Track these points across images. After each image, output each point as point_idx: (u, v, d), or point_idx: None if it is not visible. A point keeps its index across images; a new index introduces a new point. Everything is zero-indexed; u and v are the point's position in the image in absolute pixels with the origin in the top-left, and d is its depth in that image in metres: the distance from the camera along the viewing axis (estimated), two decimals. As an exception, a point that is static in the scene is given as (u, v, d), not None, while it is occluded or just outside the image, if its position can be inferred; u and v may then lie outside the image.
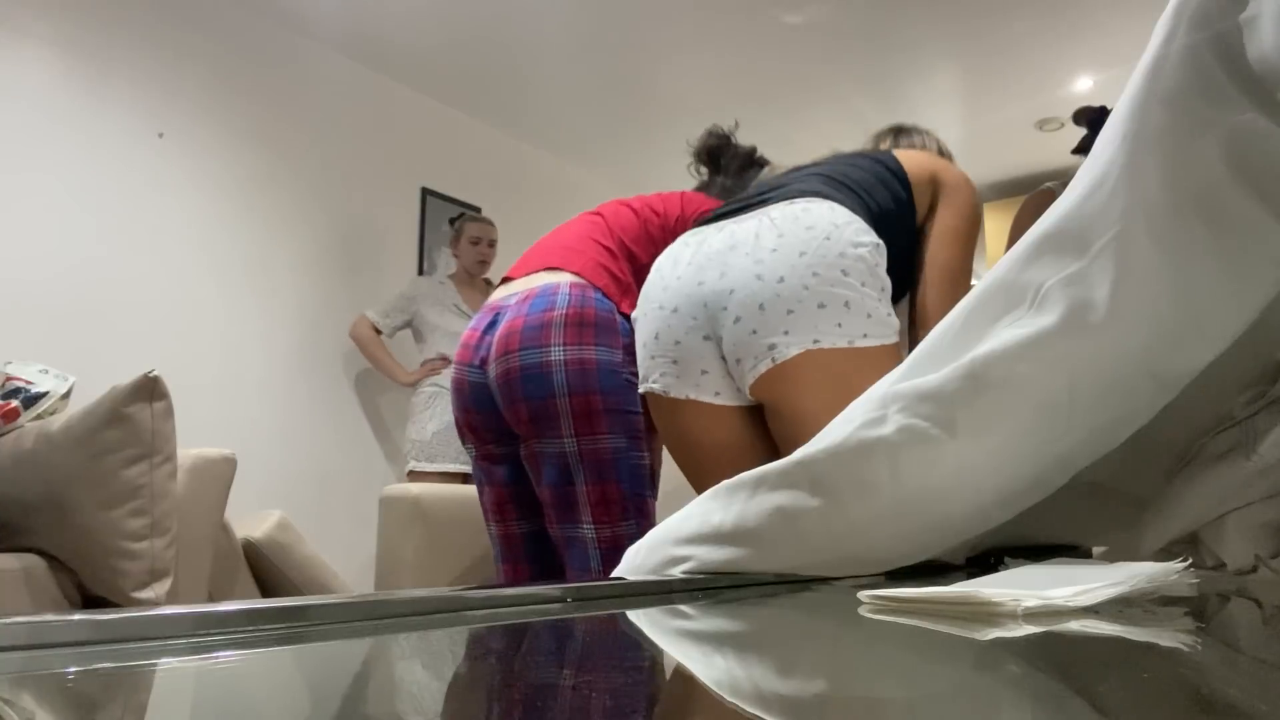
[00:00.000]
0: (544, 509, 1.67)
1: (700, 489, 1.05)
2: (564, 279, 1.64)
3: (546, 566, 1.73)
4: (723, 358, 1.30)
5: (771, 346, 1.21)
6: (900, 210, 1.38)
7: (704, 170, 1.98)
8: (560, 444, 1.59)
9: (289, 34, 3.60)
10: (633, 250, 1.71)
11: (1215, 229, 0.58)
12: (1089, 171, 0.64)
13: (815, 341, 1.18)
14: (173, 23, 3.24)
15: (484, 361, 1.66)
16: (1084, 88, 3.97)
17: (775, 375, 1.21)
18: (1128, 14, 3.30)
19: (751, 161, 1.98)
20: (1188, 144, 0.58)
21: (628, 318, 1.62)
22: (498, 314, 1.69)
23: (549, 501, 1.64)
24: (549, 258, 1.70)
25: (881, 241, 1.26)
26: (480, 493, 1.82)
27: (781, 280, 1.21)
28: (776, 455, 0.86)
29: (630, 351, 1.62)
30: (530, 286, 1.66)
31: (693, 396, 1.34)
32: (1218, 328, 0.61)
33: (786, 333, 1.20)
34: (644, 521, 1.63)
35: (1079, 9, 3.39)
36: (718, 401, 1.33)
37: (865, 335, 1.19)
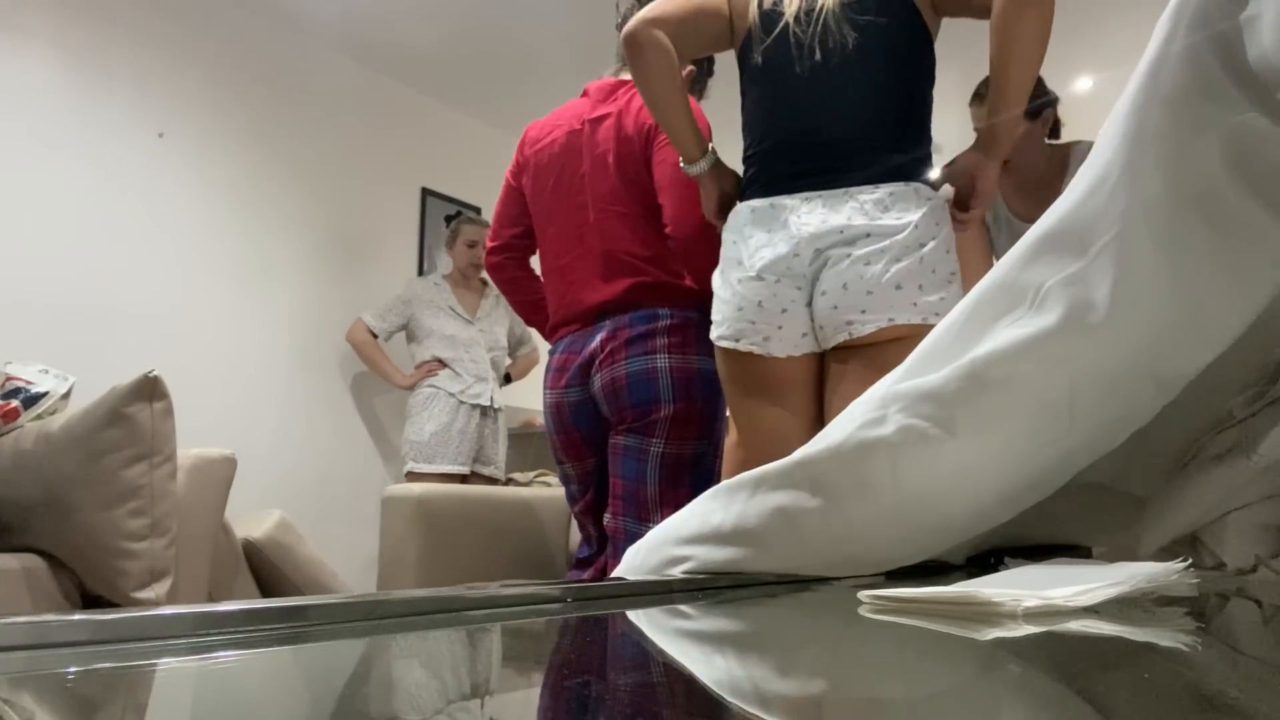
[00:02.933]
0: (610, 498, 1.73)
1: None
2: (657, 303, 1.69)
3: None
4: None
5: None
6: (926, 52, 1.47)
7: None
8: (648, 443, 1.66)
9: (289, 34, 3.60)
10: (654, 243, 1.72)
11: (1215, 229, 0.58)
12: (1089, 171, 0.64)
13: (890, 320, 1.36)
14: (173, 23, 3.24)
15: (582, 378, 1.72)
16: (1084, 88, 3.97)
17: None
18: (1128, 14, 3.30)
19: None
20: (1188, 144, 0.58)
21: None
22: (586, 336, 1.74)
23: (619, 493, 1.70)
24: (613, 299, 1.72)
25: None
26: (574, 503, 1.88)
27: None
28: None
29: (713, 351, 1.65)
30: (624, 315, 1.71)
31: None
32: (1218, 328, 0.61)
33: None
34: None
35: (1079, 9, 3.38)
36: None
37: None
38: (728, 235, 1.51)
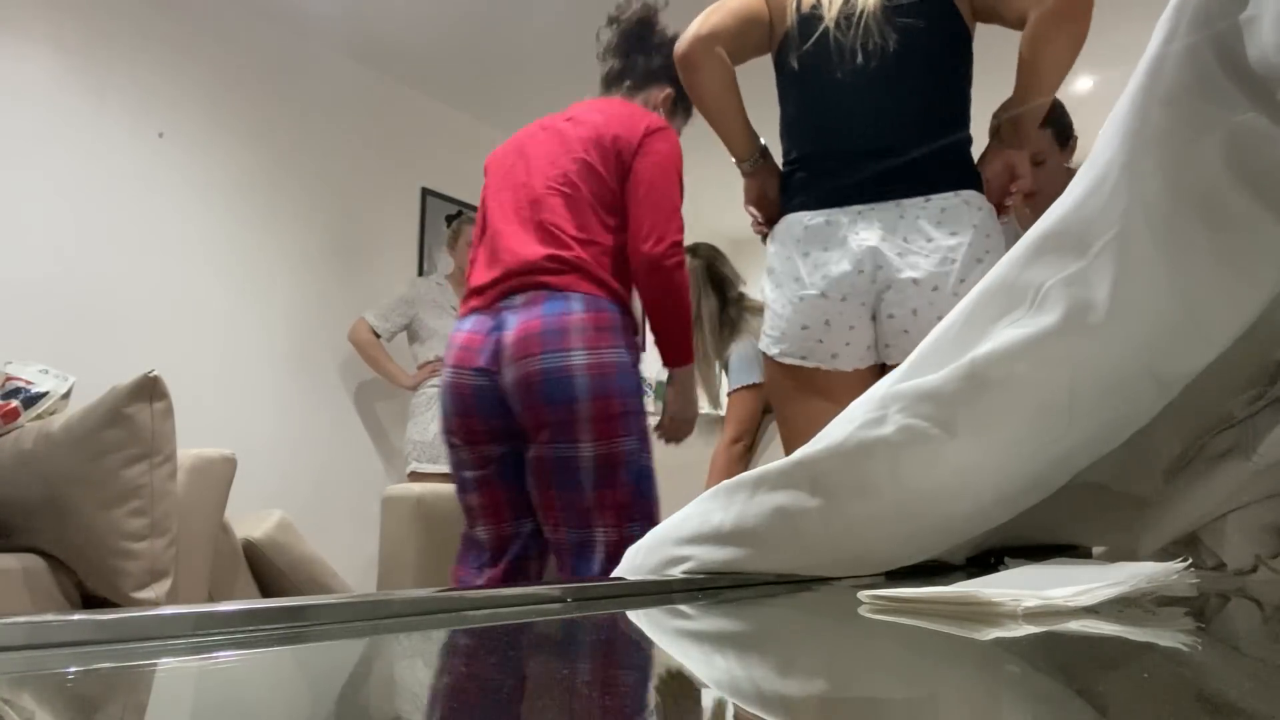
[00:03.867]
0: (542, 512, 1.66)
1: None
2: (571, 289, 1.63)
3: (523, 570, 1.72)
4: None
5: None
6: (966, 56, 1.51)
7: (614, 40, 1.92)
8: (576, 447, 1.59)
9: (289, 34, 3.60)
10: (596, 229, 1.68)
11: (1215, 229, 0.58)
12: (1089, 171, 0.64)
13: None
14: (173, 23, 3.24)
15: (490, 365, 1.64)
16: (1084, 88, 3.97)
17: None
18: (1128, 14, 3.30)
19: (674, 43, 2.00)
20: (1188, 144, 0.58)
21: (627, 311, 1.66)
22: (498, 315, 1.66)
23: (557, 506, 1.62)
24: (536, 277, 1.66)
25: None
26: (468, 494, 1.76)
27: None
28: None
29: (637, 349, 1.65)
30: (532, 295, 1.64)
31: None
32: (1218, 328, 0.61)
33: None
34: (649, 524, 1.61)
35: (1079, 9, 3.38)
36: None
37: None
38: (780, 249, 1.50)
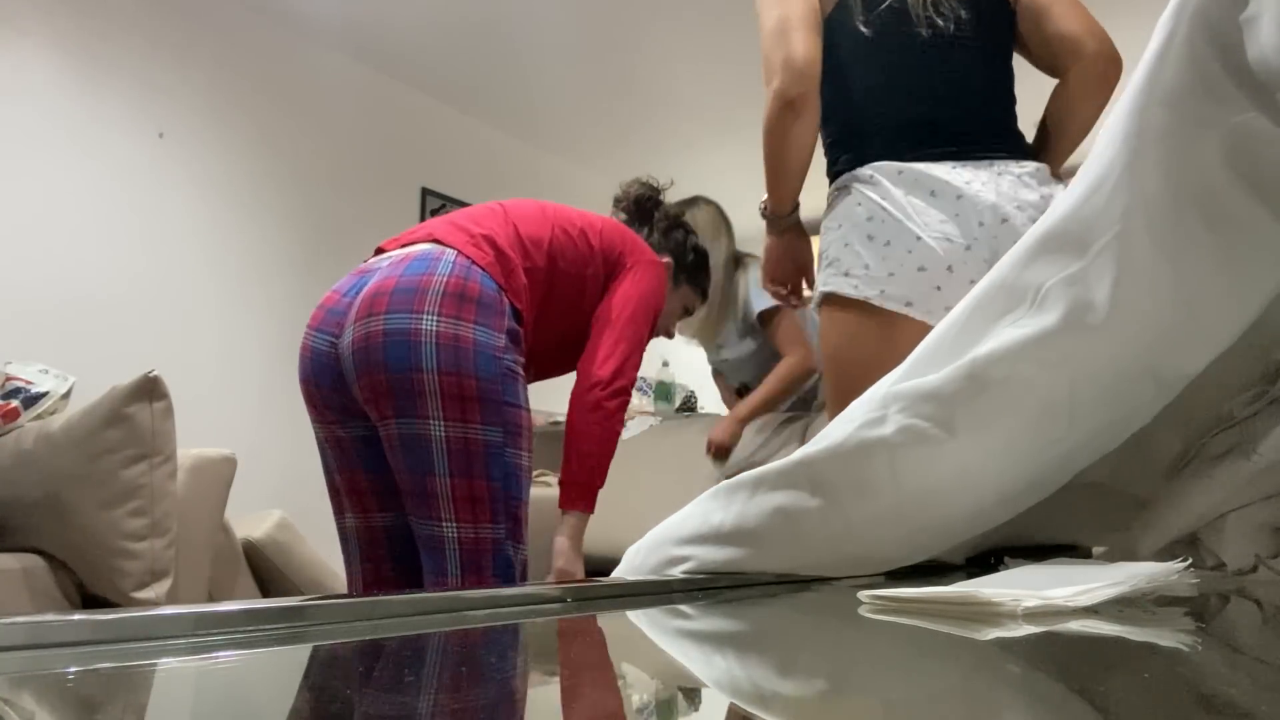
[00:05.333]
0: (403, 498, 1.45)
1: None
2: (448, 250, 1.45)
3: (412, 567, 1.49)
4: None
5: None
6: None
7: (622, 217, 1.91)
8: (425, 425, 1.38)
9: (289, 34, 3.60)
10: (528, 246, 1.54)
11: (1215, 229, 0.58)
12: (1089, 171, 0.64)
13: None
14: (173, 23, 3.24)
15: (338, 328, 1.45)
16: (1084, 88, 3.96)
17: None
18: (1128, 14, 3.30)
19: (678, 224, 1.96)
20: (1188, 144, 0.58)
21: (514, 307, 1.49)
22: (364, 276, 1.48)
23: (407, 490, 1.42)
24: (432, 230, 1.52)
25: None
26: (330, 479, 1.54)
27: None
28: None
29: (514, 339, 1.46)
30: (408, 252, 1.46)
31: None
32: (1218, 328, 0.61)
33: None
34: (515, 527, 1.44)
35: (1079, 9, 3.39)
36: None
37: None
38: (868, 194, 1.40)
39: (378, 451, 1.46)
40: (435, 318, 1.37)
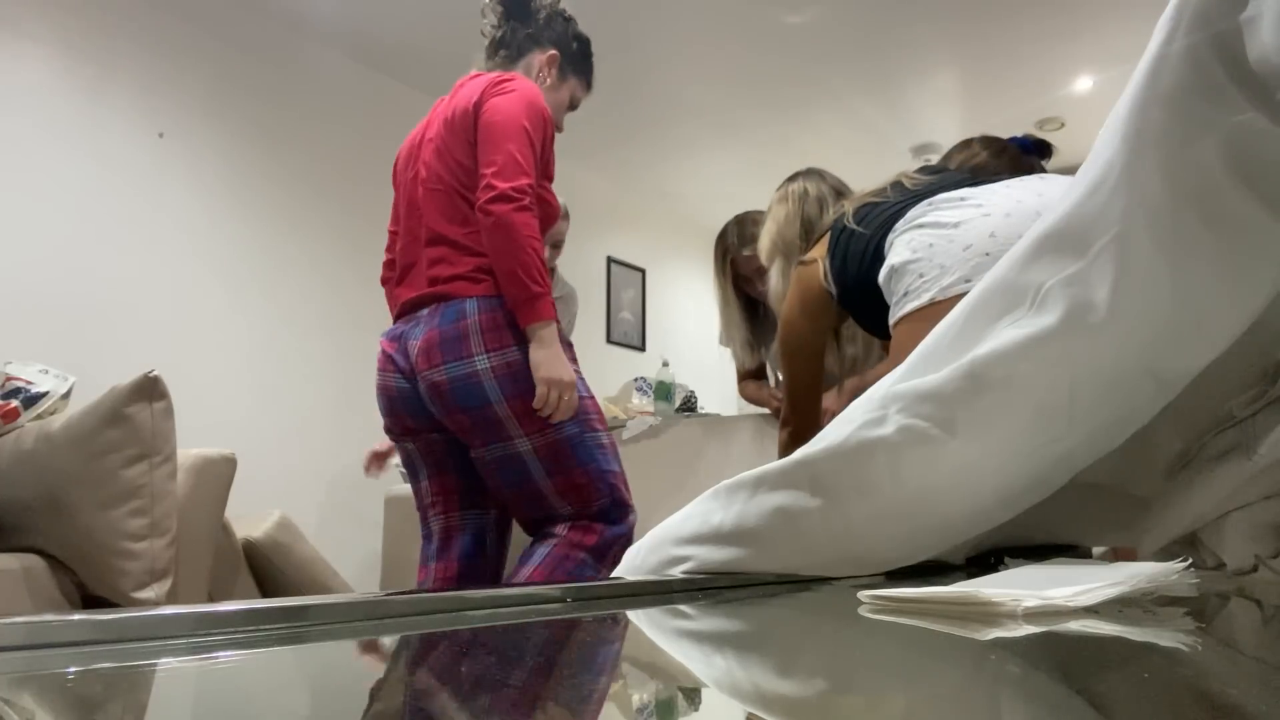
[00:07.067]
0: (510, 509, 1.67)
1: None
2: (466, 300, 1.59)
3: (476, 569, 1.68)
4: None
5: None
6: None
7: (499, 10, 1.85)
8: (512, 445, 1.56)
9: (289, 34, 3.60)
10: (458, 217, 1.63)
11: (1215, 229, 0.58)
12: (1089, 172, 0.64)
13: None
14: (173, 23, 3.24)
15: (409, 371, 1.63)
16: (1084, 88, 3.97)
17: None
18: (1128, 14, 3.30)
19: (557, 11, 1.86)
20: (1188, 144, 0.58)
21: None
22: (409, 328, 1.65)
23: (514, 500, 1.63)
24: (433, 286, 1.64)
25: None
26: (418, 484, 1.73)
27: None
28: None
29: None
30: (434, 307, 1.62)
31: None
32: (1218, 328, 0.61)
33: None
34: (614, 494, 1.62)
35: (1079, 9, 3.38)
36: None
37: None
38: (913, 213, 1.46)
39: (465, 451, 1.63)
40: (484, 355, 1.55)
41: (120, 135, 3.07)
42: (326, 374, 3.64)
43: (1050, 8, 3.37)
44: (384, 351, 1.69)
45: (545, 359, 1.56)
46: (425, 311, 1.62)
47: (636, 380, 3.31)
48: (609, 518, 1.62)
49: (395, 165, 1.88)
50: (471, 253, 1.60)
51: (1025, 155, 1.63)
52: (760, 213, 2.43)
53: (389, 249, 1.85)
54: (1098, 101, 3.98)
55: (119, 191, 3.05)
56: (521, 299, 1.55)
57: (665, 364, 3.68)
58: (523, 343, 1.56)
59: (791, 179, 2.03)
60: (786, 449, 1.67)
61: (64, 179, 2.92)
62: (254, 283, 3.42)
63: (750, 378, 2.63)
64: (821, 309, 1.62)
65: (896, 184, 1.59)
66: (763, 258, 1.97)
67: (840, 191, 1.95)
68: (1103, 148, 0.63)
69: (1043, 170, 1.66)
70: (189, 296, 3.21)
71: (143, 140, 3.13)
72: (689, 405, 3.67)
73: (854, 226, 1.55)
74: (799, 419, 1.69)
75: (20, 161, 2.83)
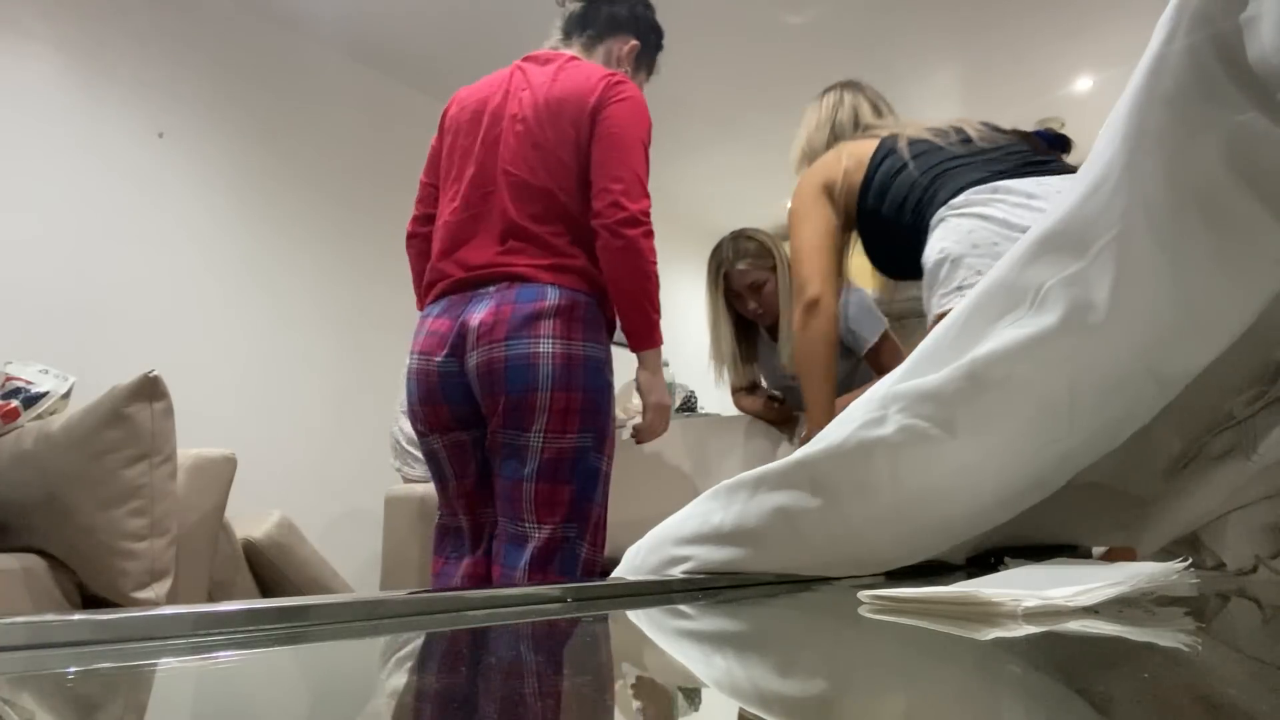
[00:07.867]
0: (495, 499, 1.61)
1: None
2: (546, 286, 1.55)
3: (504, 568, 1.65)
4: None
5: None
6: None
7: (574, 5, 1.79)
8: (525, 437, 1.52)
9: (289, 34, 3.60)
10: (545, 215, 1.59)
11: (1215, 229, 0.58)
12: (1089, 172, 0.64)
13: None
14: (173, 23, 3.24)
15: (456, 352, 1.58)
16: (1084, 88, 3.97)
17: None
18: (1128, 14, 3.30)
19: None
20: (1188, 144, 0.58)
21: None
22: (470, 304, 1.59)
23: (500, 492, 1.57)
24: (511, 266, 1.59)
25: None
26: (444, 483, 1.69)
27: None
28: None
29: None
30: (510, 283, 1.57)
31: None
32: (1218, 328, 0.61)
33: None
34: (584, 527, 1.55)
35: (1079, 9, 3.38)
36: None
37: None
38: (984, 206, 1.42)
39: (486, 458, 1.61)
40: (551, 340, 1.51)
41: (120, 135, 3.07)
42: (327, 374, 3.64)
43: (1050, 8, 3.38)
44: (429, 331, 1.62)
45: (655, 385, 1.62)
46: (493, 288, 1.56)
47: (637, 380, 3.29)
48: (566, 564, 1.54)
49: (449, 114, 1.78)
50: (554, 251, 1.57)
51: (1050, 149, 1.62)
52: (756, 229, 2.46)
53: (421, 201, 1.80)
54: (1098, 101, 3.98)
55: (119, 191, 3.05)
56: (642, 325, 1.59)
57: (665, 364, 3.68)
58: (590, 344, 1.54)
59: (830, 88, 1.99)
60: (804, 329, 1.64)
61: (64, 179, 2.92)
62: (254, 282, 3.42)
63: (744, 391, 2.63)
64: (830, 198, 1.62)
65: (959, 129, 1.53)
66: (793, 167, 1.95)
67: (877, 106, 1.91)
68: (1103, 148, 0.63)
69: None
70: (189, 296, 3.21)
71: (143, 140, 3.13)
72: (689, 405, 3.67)
73: (907, 157, 1.49)
74: (820, 284, 1.62)
75: (21, 161, 2.83)
